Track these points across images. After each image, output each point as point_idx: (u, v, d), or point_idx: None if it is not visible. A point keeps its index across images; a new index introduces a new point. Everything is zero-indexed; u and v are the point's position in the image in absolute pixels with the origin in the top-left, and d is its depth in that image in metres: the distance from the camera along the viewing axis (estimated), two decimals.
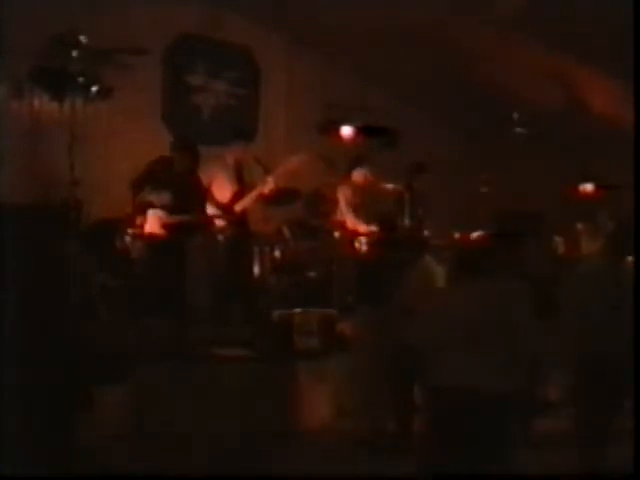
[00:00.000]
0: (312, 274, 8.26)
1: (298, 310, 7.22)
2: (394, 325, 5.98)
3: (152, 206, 7.44)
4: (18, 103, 7.58)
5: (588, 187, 9.06)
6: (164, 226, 7.45)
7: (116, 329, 6.63)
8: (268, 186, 7.80)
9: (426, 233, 8.17)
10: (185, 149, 7.72)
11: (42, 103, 7.62)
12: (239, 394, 6.32)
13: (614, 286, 5.48)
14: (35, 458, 5.20)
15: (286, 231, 8.38)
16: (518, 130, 9.57)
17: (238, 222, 7.97)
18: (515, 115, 9.55)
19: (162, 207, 7.46)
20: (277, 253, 8.18)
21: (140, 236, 7.41)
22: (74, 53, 7.23)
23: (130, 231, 7.40)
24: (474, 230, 7.36)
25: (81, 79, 7.30)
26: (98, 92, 7.44)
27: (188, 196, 7.62)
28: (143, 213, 7.43)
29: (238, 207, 7.93)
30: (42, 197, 7.22)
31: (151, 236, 7.42)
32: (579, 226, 8.58)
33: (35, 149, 7.59)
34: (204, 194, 7.82)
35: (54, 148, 7.37)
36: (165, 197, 7.52)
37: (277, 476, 5.63)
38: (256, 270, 8.01)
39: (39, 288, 5.54)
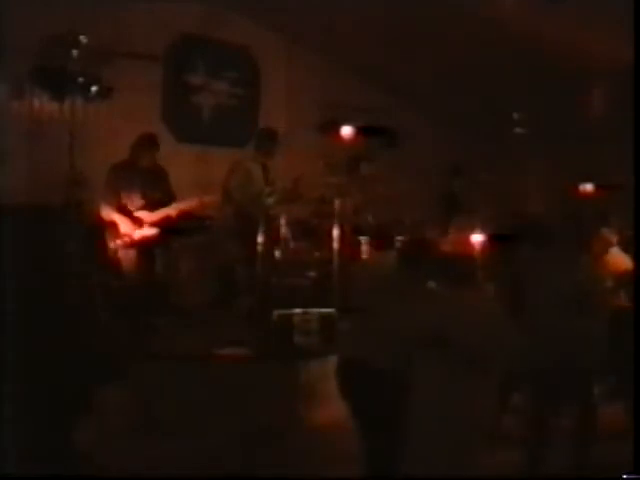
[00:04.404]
0: (312, 274, 8.26)
1: (298, 310, 7.22)
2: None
3: (132, 207, 7.45)
4: (18, 103, 7.59)
5: (588, 187, 9.04)
6: (149, 225, 7.47)
7: (116, 329, 6.62)
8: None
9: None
10: (150, 143, 7.62)
11: (42, 103, 7.63)
12: (239, 394, 6.32)
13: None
14: (35, 458, 5.20)
15: (286, 231, 8.37)
16: (518, 130, 9.57)
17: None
18: (515, 115, 9.55)
19: (142, 206, 7.46)
20: (277, 253, 8.17)
21: (130, 241, 7.41)
22: (74, 53, 7.25)
23: (120, 236, 7.39)
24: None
25: (81, 79, 7.32)
26: (98, 92, 7.46)
27: (161, 189, 7.58)
28: (127, 216, 7.42)
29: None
30: (42, 197, 7.22)
31: (140, 238, 7.43)
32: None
33: (35, 149, 7.60)
34: (171, 185, 7.71)
35: (54, 148, 7.37)
36: (140, 195, 7.51)
37: (277, 476, 5.63)
38: (256, 269, 8.01)
39: (39, 288, 5.54)
